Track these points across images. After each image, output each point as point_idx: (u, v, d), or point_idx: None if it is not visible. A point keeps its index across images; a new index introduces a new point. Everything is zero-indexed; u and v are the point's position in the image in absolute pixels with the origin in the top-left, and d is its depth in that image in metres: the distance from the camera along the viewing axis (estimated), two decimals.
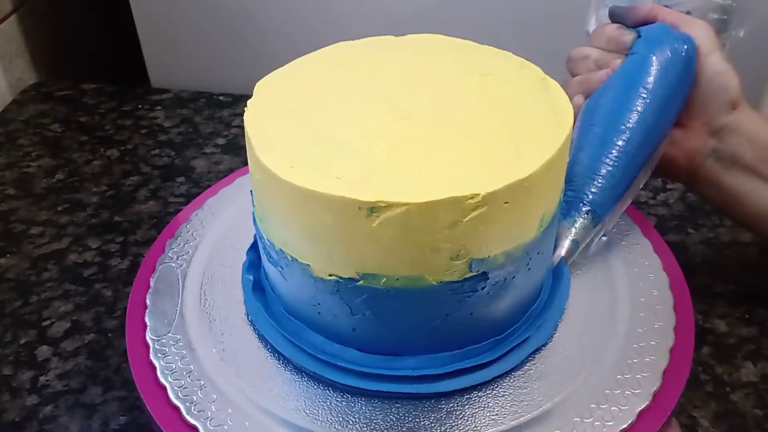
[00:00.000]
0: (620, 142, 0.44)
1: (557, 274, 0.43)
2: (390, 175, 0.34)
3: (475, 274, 0.35)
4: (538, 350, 0.40)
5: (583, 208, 0.43)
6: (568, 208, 0.43)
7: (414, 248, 0.33)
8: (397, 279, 0.34)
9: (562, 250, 0.43)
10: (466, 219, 0.32)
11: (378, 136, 0.36)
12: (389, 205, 0.32)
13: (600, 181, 0.43)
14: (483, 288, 0.35)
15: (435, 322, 0.36)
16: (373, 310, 0.36)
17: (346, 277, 0.35)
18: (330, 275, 0.35)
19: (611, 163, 0.44)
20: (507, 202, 0.33)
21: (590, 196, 0.43)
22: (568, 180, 0.40)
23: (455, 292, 0.35)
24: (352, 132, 0.36)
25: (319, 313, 0.38)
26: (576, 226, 0.43)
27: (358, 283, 0.35)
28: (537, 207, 0.36)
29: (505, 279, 0.36)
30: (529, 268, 0.37)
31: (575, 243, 0.43)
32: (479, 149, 0.35)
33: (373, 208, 0.32)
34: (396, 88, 0.40)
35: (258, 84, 0.40)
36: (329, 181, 0.33)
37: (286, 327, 0.40)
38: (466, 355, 0.38)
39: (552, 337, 0.41)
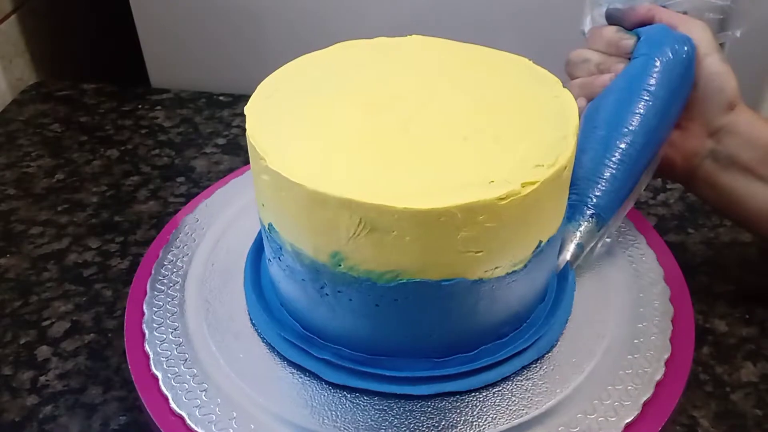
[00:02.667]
0: (623, 145, 0.44)
1: (562, 278, 0.43)
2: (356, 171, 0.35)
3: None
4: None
5: (588, 212, 0.43)
6: (572, 212, 0.43)
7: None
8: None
9: (567, 254, 0.43)
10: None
11: (363, 136, 0.37)
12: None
13: (603, 184, 0.43)
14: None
15: (407, 324, 0.37)
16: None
17: (320, 260, 0.36)
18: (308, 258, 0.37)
19: (614, 166, 0.43)
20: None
21: (594, 200, 0.43)
22: (572, 183, 0.40)
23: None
24: (343, 132, 0.37)
25: (320, 310, 0.38)
26: (581, 230, 0.43)
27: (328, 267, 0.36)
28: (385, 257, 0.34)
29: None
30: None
31: (580, 247, 0.43)
32: (455, 163, 0.35)
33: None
34: (395, 90, 0.40)
35: (260, 85, 0.41)
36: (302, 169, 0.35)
37: (286, 326, 0.40)
38: (473, 358, 0.39)
39: (557, 340, 0.41)
